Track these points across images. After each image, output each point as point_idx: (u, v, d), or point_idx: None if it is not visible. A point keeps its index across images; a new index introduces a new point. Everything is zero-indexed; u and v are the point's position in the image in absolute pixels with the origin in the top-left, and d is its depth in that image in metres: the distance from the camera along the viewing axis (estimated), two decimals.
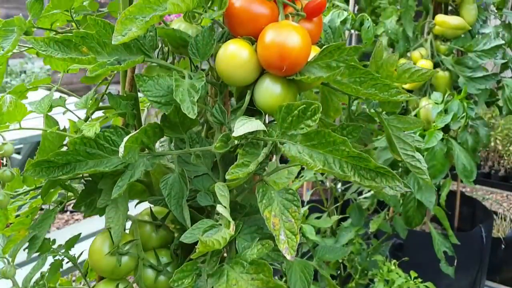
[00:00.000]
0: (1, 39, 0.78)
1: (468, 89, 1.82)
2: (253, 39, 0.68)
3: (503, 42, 1.86)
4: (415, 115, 1.92)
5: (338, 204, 1.67)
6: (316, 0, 0.69)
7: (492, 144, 4.09)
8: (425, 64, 1.83)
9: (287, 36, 0.63)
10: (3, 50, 0.75)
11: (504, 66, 1.91)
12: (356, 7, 2.02)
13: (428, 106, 1.84)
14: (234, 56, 0.66)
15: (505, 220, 2.72)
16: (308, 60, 0.66)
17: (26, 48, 0.83)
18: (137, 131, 0.65)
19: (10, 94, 0.73)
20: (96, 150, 0.69)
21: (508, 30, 1.95)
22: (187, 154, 0.73)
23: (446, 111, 1.36)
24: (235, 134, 0.60)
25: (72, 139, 0.66)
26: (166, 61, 0.75)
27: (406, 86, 1.85)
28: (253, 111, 0.70)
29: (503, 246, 2.48)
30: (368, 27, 1.32)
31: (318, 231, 1.53)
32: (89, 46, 0.68)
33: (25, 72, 4.42)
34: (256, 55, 0.67)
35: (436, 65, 1.89)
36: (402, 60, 1.88)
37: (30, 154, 2.84)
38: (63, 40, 0.68)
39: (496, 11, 2.00)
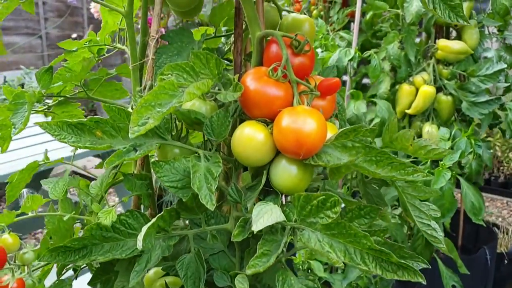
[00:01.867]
0: (11, 113, 0.77)
1: (472, 113, 1.82)
2: (268, 120, 0.68)
3: (506, 65, 1.86)
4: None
5: None
6: (330, 79, 0.69)
7: (491, 150, 4.10)
8: (429, 89, 1.83)
9: (304, 123, 0.63)
10: (15, 128, 0.74)
11: (507, 89, 1.91)
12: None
13: (431, 131, 1.84)
14: (251, 139, 0.66)
15: (507, 233, 2.72)
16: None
17: None
18: (155, 219, 0.64)
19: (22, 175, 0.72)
20: (112, 233, 0.68)
21: (509, 52, 1.95)
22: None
23: (453, 147, 1.36)
24: (255, 228, 0.59)
25: (89, 226, 0.65)
26: (180, 136, 0.75)
27: (409, 111, 1.85)
28: (268, 188, 0.70)
29: (506, 261, 2.49)
30: (375, 65, 1.32)
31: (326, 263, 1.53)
32: (104, 130, 0.68)
33: (22, 86, 4.39)
34: (271, 137, 0.66)
35: (438, 90, 1.89)
36: (405, 86, 1.88)
37: None
38: (77, 124, 0.68)
39: (497, 33, 2.00)
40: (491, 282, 2.06)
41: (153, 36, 0.77)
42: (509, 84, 1.90)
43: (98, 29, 0.86)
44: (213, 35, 0.85)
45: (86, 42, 0.84)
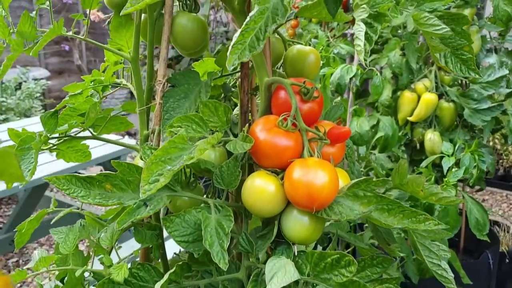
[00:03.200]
0: (20, 160, 0.77)
1: (474, 120, 1.82)
2: (278, 170, 0.68)
3: (507, 72, 1.85)
4: (421, 147, 1.93)
5: (349, 249, 1.68)
6: (340, 128, 0.69)
7: (491, 143, 4.10)
8: (431, 97, 1.82)
9: (315, 177, 0.63)
10: (26, 174, 0.74)
11: (509, 95, 1.91)
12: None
13: (434, 138, 1.84)
14: (262, 191, 0.66)
15: (508, 232, 2.74)
16: None
17: None
18: (167, 275, 0.64)
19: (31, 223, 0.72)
20: (124, 286, 0.68)
21: (511, 57, 1.94)
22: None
23: (457, 164, 1.36)
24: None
25: (101, 281, 0.65)
26: (189, 182, 0.74)
27: (411, 118, 1.84)
28: (279, 236, 0.70)
29: (507, 260, 2.50)
30: (378, 83, 1.31)
31: None
32: (113, 184, 0.67)
33: (20, 87, 4.37)
34: (282, 189, 0.66)
35: (440, 96, 1.88)
36: (406, 93, 1.88)
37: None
38: (86, 178, 0.67)
39: (498, 37, 1.98)
40: (493, 286, 2.07)
41: (159, 80, 0.76)
42: (511, 90, 1.89)
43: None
44: (219, 74, 0.84)
45: (91, 82, 0.83)
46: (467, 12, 1.85)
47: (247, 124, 0.69)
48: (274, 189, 0.66)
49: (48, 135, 0.80)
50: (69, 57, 5.77)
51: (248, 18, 0.52)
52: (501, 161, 4.21)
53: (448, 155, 1.37)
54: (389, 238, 0.84)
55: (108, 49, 0.77)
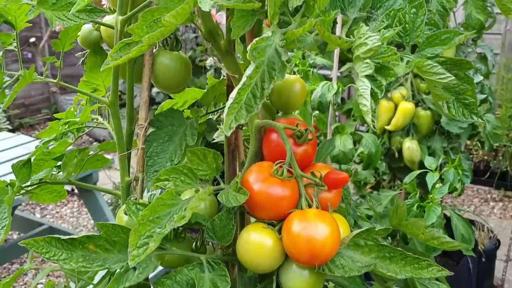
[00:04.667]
0: None
1: (451, 128, 1.82)
2: (274, 222, 0.64)
3: (482, 78, 1.87)
4: (399, 155, 1.92)
5: None
6: (338, 173, 0.65)
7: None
8: (408, 106, 1.82)
9: (316, 231, 0.59)
10: (0, 232, 0.68)
11: (483, 100, 1.92)
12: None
13: (412, 146, 1.84)
14: (259, 247, 0.62)
15: (483, 230, 2.78)
16: None
17: None
18: None
19: None
20: None
21: (484, 62, 1.96)
22: None
23: (441, 178, 1.35)
24: None
25: None
26: (178, 233, 0.70)
27: (389, 127, 1.84)
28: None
29: (483, 259, 2.54)
30: None
31: None
32: (97, 245, 0.62)
33: None
34: (281, 243, 0.62)
35: (417, 104, 1.88)
36: (383, 102, 1.87)
37: None
38: (67, 239, 0.62)
39: (471, 43, 2.00)
40: None
41: (141, 124, 0.71)
42: (486, 95, 1.91)
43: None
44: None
45: (65, 126, 0.77)
46: None
47: (239, 172, 0.65)
48: (272, 245, 0.62)
49: (22, 185, 0.74)
50: (32, 63, 5.57)
51: (244, 78, 0.48)
52: (471, 156, 4.29)
53: (432, 170, 1.37)
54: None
55: (83, 93, 0.71)
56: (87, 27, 0.72)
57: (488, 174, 4.11)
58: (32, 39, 4.81)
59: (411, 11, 0.55)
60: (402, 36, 0.56)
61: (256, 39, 0.48)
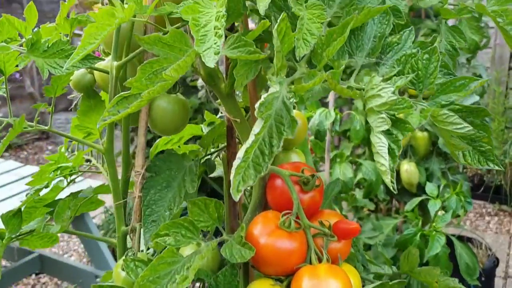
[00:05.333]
0: None
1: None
2: (282, 278, 0.60)
3: (478, 98, 1.86)
4: (397, 176, 1.90)
5: None
6: (349, 223, 0.62)
7: None
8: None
9: None
10: None
11: None
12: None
13: (410, 169, 1.81)
14: None
15: (481, 248, 2.76)
16: None
17: None
18: None
19: None
20: None
21: None
22: None
23: (443, 206, 1.32)
24: None
25: None
26: None
27: None
28: None
29: (483, 278, 2.51)
30: (358, 127, 1.26)
31: None
32: None
33: None
34: None
35: None
36: None
37: None
38: None
39: (465, 62, 1.99)
40: None
41: (138, 171, 0.67)
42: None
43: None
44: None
45: (58, 172, 0.73)
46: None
47: (243, 224, 0.61)
48: None
49: (12, 236, 0.70)
50: (20, 82, 5.51)
51: (252, 136, 0.44)
52: (464, 169, 4.29)
53: (433, 197, 1.34)
54: None
55: (75, 140, 0.67)
56: (80, 70, 0.68)
57: (482, 188, 4.11)
58: None
59: (423, 57, 0.53)
60: (414, 83, 0.53)
61: (264, 95, 0.45)
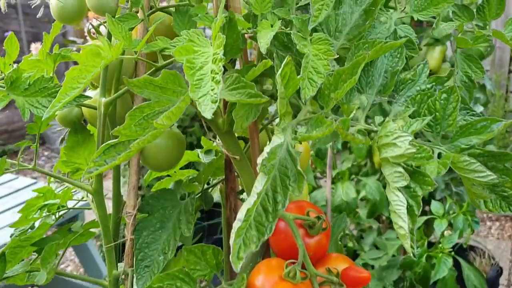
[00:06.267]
0: None
1: None
2: None
3: (482, 108, 1.82)
4: None
5: None
6: (359, 271, 0.57)
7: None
8: None
9: None
10: None
11: None
12: None
13: None
14: None
15: (484, 256, 2.71)
16: None
17: None
18: None
19: None
20: None
21: (483, 92, 1.91)
22: None
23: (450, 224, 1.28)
24: None
25: None
26: None
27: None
28: None
29: None
30: (361, 144, 1.21)
31: None
32: None
33: None
34: None
35: (416, 136, 1.82)
36: None
37: None
38: None
39: None
40: None
41: (130, 212, 0.63)
42: None
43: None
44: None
45: (45, 209, 0.68)
46: (438, 49, 1.80)
47: (244, 274, 0.57)
48: None
49: None
50: None
51: (254, 195, 0.40)
52: None
53: (439, 217, 1.29)
54: None
55: (62, 179, 0.62)
56: None
57: None
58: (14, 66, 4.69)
59: (441, 96, 0.48)
60: (431, 125, 0.49)
61: (267, 148, 0.40)
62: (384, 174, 0.43)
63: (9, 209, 2.16)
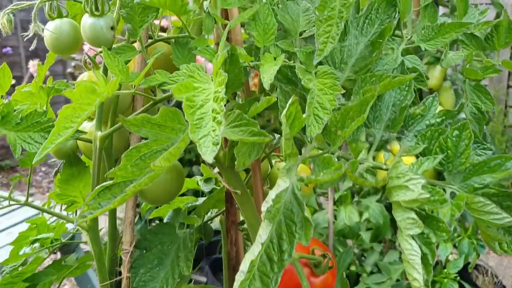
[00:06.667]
0: None
1: None
2: None
3: (484, 127, 1.79)
4: None
5: None
6: None
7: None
8: (409, 160, 1.72)
9: None
10: None
11: None
12: None
13: None
14: None
15: (487, 275, 2.67)
16: None
17: None
18: None
19: None
20: None
21: None
22: None
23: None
24: None
25: None
26: None
27: None
28: None
29: None
30: None
31: None
32: None
33: None
34: None
35: (417, 156, 1.79)
36: (381, 155, 1.77)
37: None
38: None
39: None
40: None
41: (126, 249, 0.60)
42: (488, 143, 1.83)
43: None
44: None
45: (37, 245, 0.66)
46: (438, 68, 1.78)
47: None
48: None
49: None
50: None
51: (258, 245, 0.37)
52: None
53: (444, 240, 1.27)
54: None
55: (55, 215, 0.60)
56: None
57: None
58: (12, 81, 4.67)
59: (453, 133, 0.46)
60: (443, 163, 0.46)
61: (272, 194, 0.38)
62: (396, 218, 0.41)
63: (3, 230, 2.13)
